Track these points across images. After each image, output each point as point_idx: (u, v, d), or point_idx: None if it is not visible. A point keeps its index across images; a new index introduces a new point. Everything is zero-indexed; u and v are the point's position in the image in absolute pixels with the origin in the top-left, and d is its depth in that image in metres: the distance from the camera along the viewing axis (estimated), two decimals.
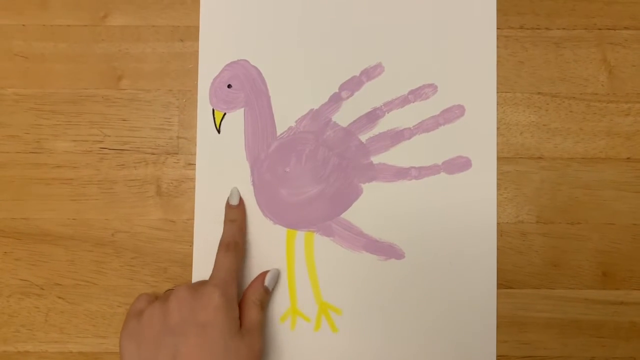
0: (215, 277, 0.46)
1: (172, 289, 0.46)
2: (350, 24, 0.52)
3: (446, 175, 0.51)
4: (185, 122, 0.52)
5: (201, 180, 0.51)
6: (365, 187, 0.51)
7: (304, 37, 0.52)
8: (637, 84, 0.52)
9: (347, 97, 0.52)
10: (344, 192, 0.51)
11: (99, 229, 0.51)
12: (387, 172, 0.51)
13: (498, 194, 0.51)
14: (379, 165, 0.51)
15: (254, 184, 0.51)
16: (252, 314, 0.46)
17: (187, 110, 0.52)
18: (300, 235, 0.51)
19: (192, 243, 0.51)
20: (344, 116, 0.52)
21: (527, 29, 0.52)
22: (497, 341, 0.50)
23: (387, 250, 0.51)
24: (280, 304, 0.51)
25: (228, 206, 0.50)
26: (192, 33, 0.52)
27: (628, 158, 0.52)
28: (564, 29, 0.52)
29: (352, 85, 0.52)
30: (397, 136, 0.52)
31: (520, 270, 0.51)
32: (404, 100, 0.52)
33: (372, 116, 0.52)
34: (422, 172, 0.51)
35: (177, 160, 0.52)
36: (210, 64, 0.52)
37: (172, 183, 0.52)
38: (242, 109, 0.52)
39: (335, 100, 0.52)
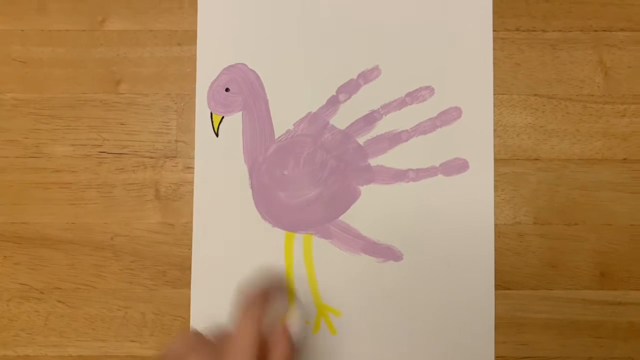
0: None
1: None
2: (347, 28, 0.52)
3: (443, 177, 0.51)
4: (184, 125, 0.52)
5: (200, 184, 0.52)
6: (363, 189, 0.52)
7: (301, 40, 0.52)
8: (633, 85, 0.52)
9: (345, 100, 0.52)
10: (342, 195, 0.52)
11: (98, 233, 0.52)
12: (384, 174, 0.52)
13: (495, 196, 0.51)
14: (376, 168, 0.52)
15: (252, 187, 0.52)
16: None
17: (186, 114, 0.52)
18: (298, 237, 0.51)
19: (191, 246, 0.51)
20: (341, 119, 0.52)
21: (523, 31, 0.52)
22: (496, 342, 0.50)
23: (386, 252, 0.51)
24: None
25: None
26: (189, 37, 0.53)
27: (624, 159, 0.52)
28: (560, 30, 0.52)
29: (350, 88, 0.52)
30: (394, 138, 0.52)
31: (518, 271, 0.51)
32: (401, 103, 0.52)
33: (370, 119, 0.52)
34: (419, 174, 0.51)
35: (176, 163, 0.52)
36: (208, 68, 0.52)
37: (170, 187, 0.52)
38: (240, 113, 0.52)
39: (333, 103, 0.52)
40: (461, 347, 0.50)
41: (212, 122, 0.52)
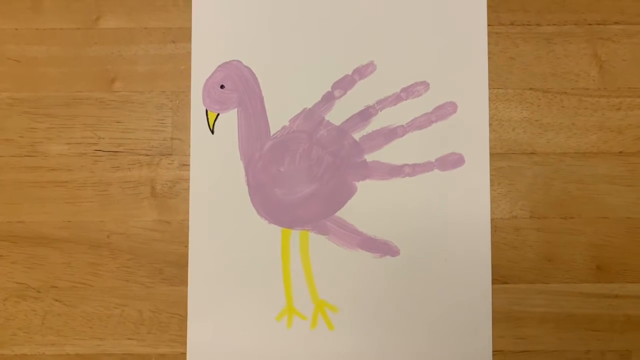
0: None
1: None
2: (342, 23, 0.52)
3: (439, 172, 0.51)
4: (179, 123, 0.52)
5: (195, 181, 0.52)
6: (360, 185, 0.52)
7: (296, 36, 0.52)
8: (628, 78, 0.52)
9: (340, 96, 0.52)
10: (338, 191, 0.52)
11: (94, 231, 0.52)
12: (380, 170, 0.52)
13: (491, 190, 0.51)
14: (372, 163, 0.52)
15: (248, 184, 0.52)
16: None
17: (181, 112, 0.52)
18: (295, 234, 0.51)
19: (188, 244, 0.51)
20: (337, 115, 0.52)
21: (518, 25, 0.53)
22: (493, 336, 0.51)
23: (382, 248, 0.51)
24: (276, 302, 0.51)
25: None
26: (184, 34, 0.53)
27: (620, 152, 0.52)
28: (554, 24, 0.53)
29: (345, 84, 0.52)
30: (390, 134, 0.52)
31: (515, 265, 0.51)
32: (396, 98, 0.52)
33: (365, 114, 0.52)
34: (415, 169, 0.51)
35: (172, 161, 0.52)
36: (203, 65, 0.52)
37: (166, 184, 0.52)
38: (236, 110, 0.52)
39: (329, 99, 0.52)
40: (459, 341, 0.50)
41: (207, 119, 0.52)
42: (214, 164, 0.52)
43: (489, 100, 0.52)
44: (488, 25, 0.52)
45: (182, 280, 0.51)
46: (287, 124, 0.52)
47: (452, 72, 0.52)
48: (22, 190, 0.52)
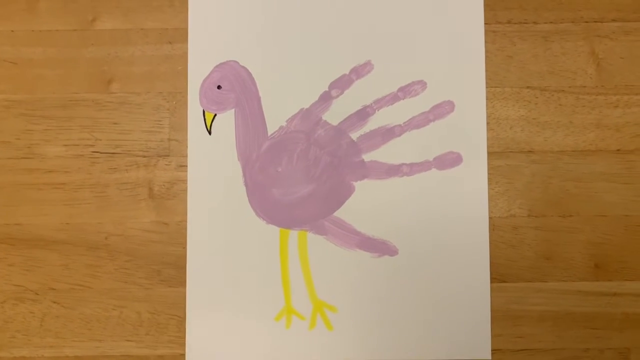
0: None
1: None
2: (339, 23, 0.52)
3: (437, 171, 0.51)
4: (176, 124, 0.52)
5: (193, 182, 0.51)
6: (357, 185, 0.52)
7: (293, 36, 0.52)
8: (625, 75, 0.52)
9: (337, 96, 0.52)
10: (336, 191, 0.52)
11: (92, 233, 0.52)
12: (378, 169, 0.52)
13: (489, 189, 0.51)
14: (370, 163, 0.52)
15: (246, 185, 0.51)
16: None
17: (178, 112, 0.52)
18: (293, 234, 0.51)
19: (186, 245, 0.51)
20: (334, 115, 0.52)
21: (515, 23, 0.52)
22: (492, 335, 0.51)
23: (381, 247, 0.51)
24: (274, 303, 0.51)
25: None
26: (180, 35, 0.52)
27: (618, 150, 0.52)
28: (551, 22, 0.52)
29: (342, 83, 0.52)
30: (387, 133, 0.52)
31: (513, 263, 0.51)
32: (393, 98, 0.52)
33: (363, 114, 0.52)
34: (413, 168, 0.51)
35: (169, 162, 0.52)
36: (199, 66, 0.52)
37: (164, 185, 0.52)
38: (233, 110, 0.52)
39: (326, 99, 0.52)
40: (457, 340, 0.50)
41: (204, 120, 0.52)
42: (211, 164, 0.52)
43: (487, 99, 0.52)
44: (485, 23, 0.52)
45: (180, 281, 0.51)
46: (284, 124, 0.52)
47: (450, 71, 0.52)
48: (19, 192, 0.52)
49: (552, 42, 0.52)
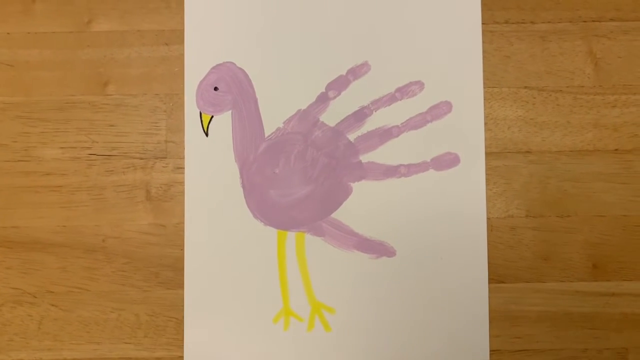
0: None
1: None
2: (335, 23, 0.52)
3: (435, 172, 0.51)
4: (173, 126, 0.52)
5: (190, 184, 0.51)
6: (355, 186, 0.51)
7: (289, 37, 0.52)
8: (623, 75, 0.52)
9: (335, 97, 0.52)
10: (333, 192, 0.51)
11: (89, 236, 0.51)
12: (376, 170, 0.51)
13: (487, 189, 0.51)
14: (367, 164, 0.51)
15: (243, 186, 0.51)
16: None
17: (175, 114, 0.52)
18: (291, 235, 0.51)
19: (183, 247, 0.51)
20: (331, 116, 0.52)
21: (512, 23, 0.52)
22: (490, 336, 0.51)
23: (379, 249, 0.51)
24: (272, 304, 0.51)
25: None
26: (177, 36, 0.52)
27: (616, 150, 0.52)
28: (549, 22, 0.52)
29: (339, 84, 0.52)
30: (385, 134, 0.52)
31: (511, 264, 0.51)
32: (391, 98, 0.52)
33: (360, 115, 0.52)
34: (410, 169, 0.51)
35: (166, 164, 0.52)
36: (196, 67, 0.52)
37: (161, 187, 0.52)
38: (230, 112, 0.52)
39: (323, 100, 0.52)
40: (456, 341, 0.50)
41: (201, 121, 0.52)
42: (208, 166, 0.51)
43: (484, 99, 0.52)
44: (482, 23, 0.52)
45: (178, 283, 0.51)
46: (281, 125, 0.52)
47: (447, 71, 0.52)
48: (16, 195, 0.52)
49: (549, 41, 0.52)
